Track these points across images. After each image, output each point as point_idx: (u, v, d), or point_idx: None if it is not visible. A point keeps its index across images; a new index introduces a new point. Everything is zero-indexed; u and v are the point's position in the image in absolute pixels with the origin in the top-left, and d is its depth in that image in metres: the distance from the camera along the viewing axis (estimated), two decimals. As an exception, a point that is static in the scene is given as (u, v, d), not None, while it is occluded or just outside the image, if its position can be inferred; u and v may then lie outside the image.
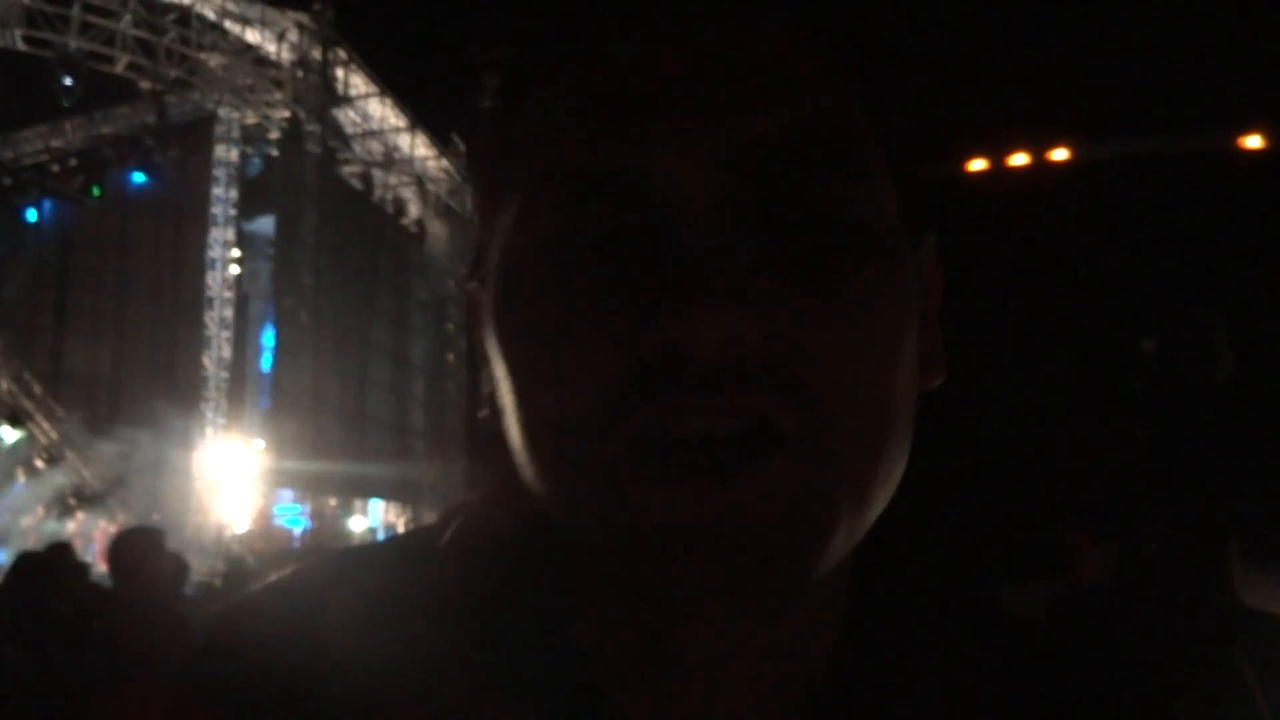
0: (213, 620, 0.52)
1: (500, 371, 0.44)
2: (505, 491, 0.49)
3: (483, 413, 0.46)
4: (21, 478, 14.58)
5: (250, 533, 16.00)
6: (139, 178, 17.35)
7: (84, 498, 15.28)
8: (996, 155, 7.79)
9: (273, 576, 0.53)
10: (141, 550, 3.77)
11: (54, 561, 4.57)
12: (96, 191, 16.15)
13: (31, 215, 17.26)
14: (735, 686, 0.43)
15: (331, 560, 0.53)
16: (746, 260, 0.38)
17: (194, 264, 18.82)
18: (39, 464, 14.69)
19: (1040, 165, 7.78)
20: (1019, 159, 7.80)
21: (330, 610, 0.47)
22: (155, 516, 16.72)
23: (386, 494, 19.93)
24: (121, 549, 3.82)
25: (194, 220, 18.95)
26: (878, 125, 0.43)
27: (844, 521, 0.39)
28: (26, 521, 15.17)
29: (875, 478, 0.41)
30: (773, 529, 0.38)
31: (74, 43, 15.12)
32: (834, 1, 0.44)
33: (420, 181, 21.22)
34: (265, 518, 17.10)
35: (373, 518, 20.32)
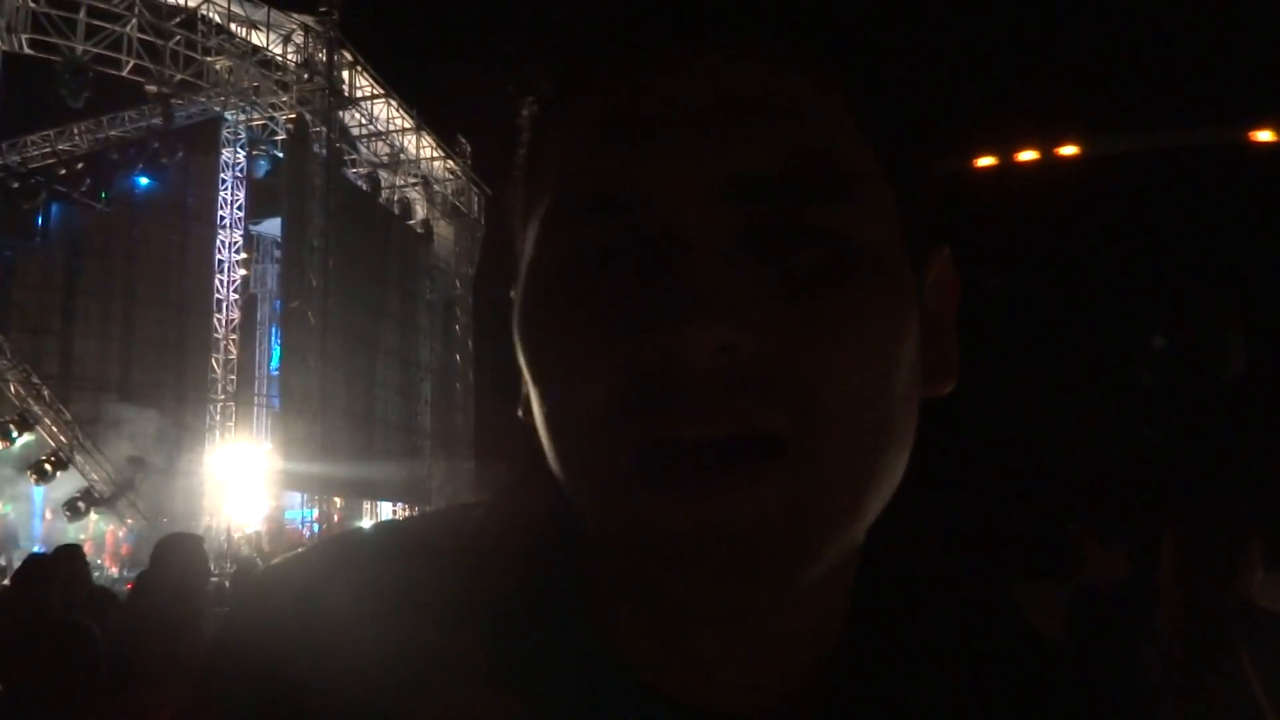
0: (224, 618, 0.53)
1: (527, 374, 0.47)
2: (523, 488, 0.52)
3: (519, 413, 0.50)
4: (31, 480, 14.62)
5: (259, 534, 16.04)
6: (146, 181, 17.41)
7: (93, 500, 15.32)
8: (1004, 151, 7.75)
9: (278, 560, 0.54)
10: (180, 552, 3.92)
11: (63, 564, 4.59)
12: (104, 196, 16.21)
13: (39, 219, 17.31)
14: (752, 671, 0.47)
15: (338, 550, 0.54)
16: (740, 279, 0.41)
17: (201, 266, 18.88)
18: (48, 467, 14.72)
19: (1049, 161, 7.73)
20: (1027, 155, 7.75)
21: (342, 609, 0.48)
22: (164, 519, 16.78)
23: (394, 495, 19.97)
24: (162, 550, 3.93)
25: (201, 222, 19.02)
26: (878, 149, 0.45)
27: (837, 529, 0.42)
28: (40, 525, 15.24)
29: (871, 485, 0.42)
30: (765, 541, 0.40)
31: (80, 47, 15.17)
32: (838, 32, 0.46)
33: (426, 182, 21.25)
34: (276, 520, 17.13)
35: (381, 519, 20.37)
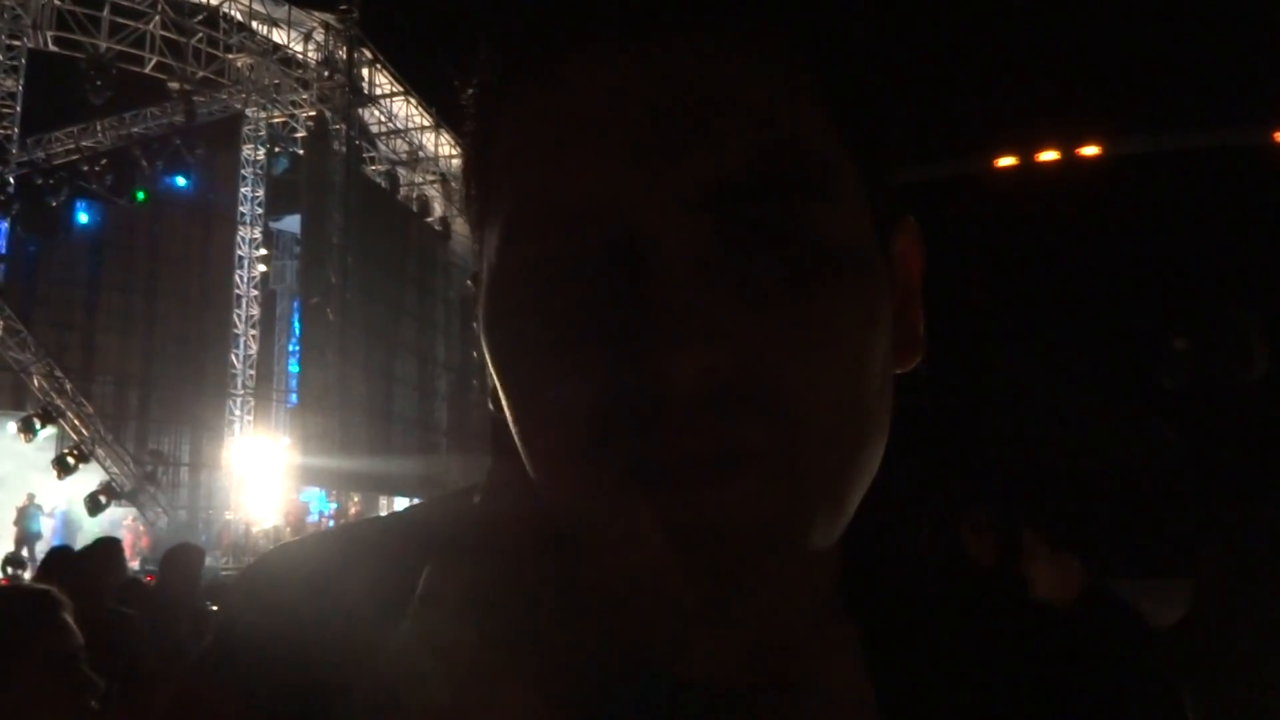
0: (224, 604, 0.52)
1: (495, 379, 0.46)
2: (517, 481, 0.51)
3: (490, 406, 0.49)
4: (54, 474, 14.76)
5: (277, 528, 16.15)
6: (168, 177, 17.53)
7: (113, 493, 15.46)
8: (1026, 152, 7.69)
9: (280, 547, 0.53)
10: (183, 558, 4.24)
11: (102, 556, 4.63)
12: (141, 195, 16.30)
13: (63, 214, 17.47)
14: (748, 646, 0.47)
15: (343, 539, 0.54)
16: (718, 290, 0.39)
17: (222, 262, 19.01)
18: (70, 460, 14.87)
19: (1070, 161, 7.67)
20: (1049, 155, 7.69)
21: (344, 598, 0.48)
22: (181, 512, 16.92)
23: (411, 490, 20.04)
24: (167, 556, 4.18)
25: (222, 219, 19.14)
26: (849, 141, 0.43)
27: (819, 522, 0.41)
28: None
29: (849, 477, 0.42)
30: (749, 539, 0.39)
31: (104, 44, 15.29)
32: (805, 16, 0.44)
33: (445, 180, 21.30)
34: (299, 515, 17.22)
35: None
